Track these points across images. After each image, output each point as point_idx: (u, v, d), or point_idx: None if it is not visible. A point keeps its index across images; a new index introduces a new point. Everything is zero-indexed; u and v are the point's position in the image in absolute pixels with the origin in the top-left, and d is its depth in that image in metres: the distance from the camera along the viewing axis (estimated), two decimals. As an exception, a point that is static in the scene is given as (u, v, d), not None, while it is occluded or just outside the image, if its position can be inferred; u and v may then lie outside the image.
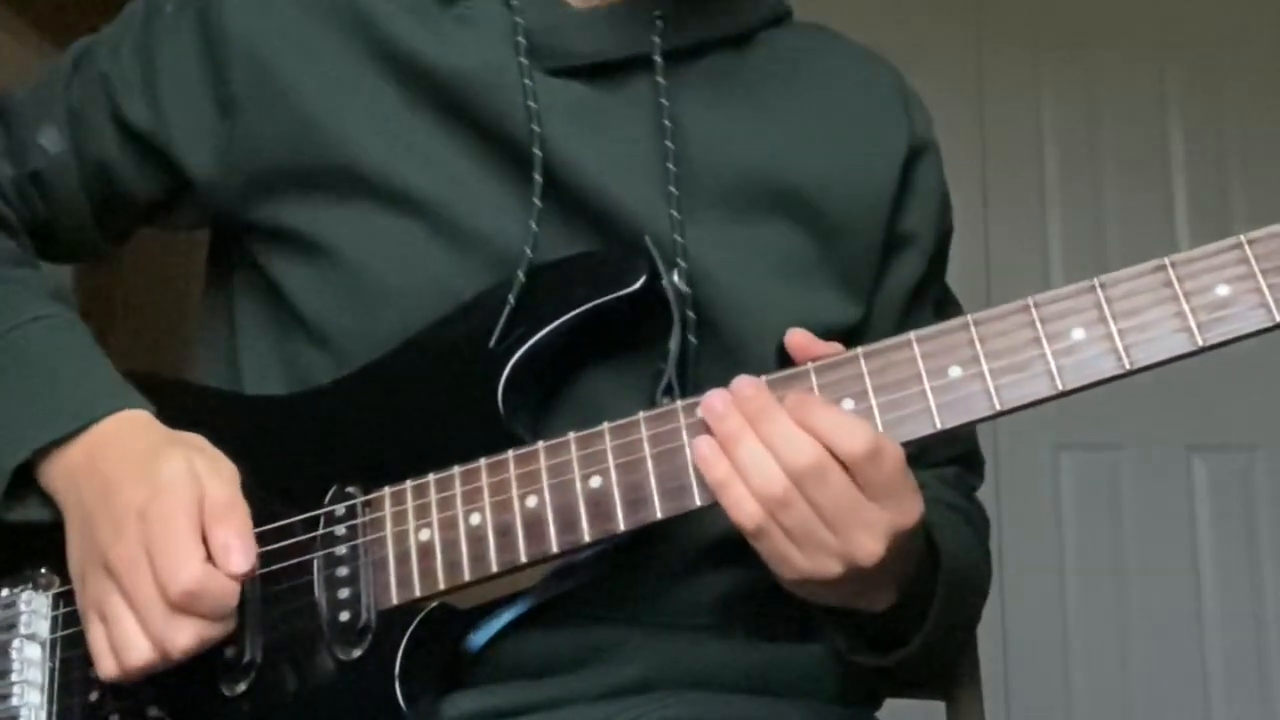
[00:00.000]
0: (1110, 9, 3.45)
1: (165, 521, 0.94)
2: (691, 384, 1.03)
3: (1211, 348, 0.89)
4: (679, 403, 0.97)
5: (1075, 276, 3.32)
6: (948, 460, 1.21)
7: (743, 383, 0.94)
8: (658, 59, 1.10)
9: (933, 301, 1.22)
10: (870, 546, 0.91)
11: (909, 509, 0.93)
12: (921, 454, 1.16)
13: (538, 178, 1.05)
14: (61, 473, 1.01)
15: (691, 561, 1.05)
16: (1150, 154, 3.40)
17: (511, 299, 1.02)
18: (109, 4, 1.41)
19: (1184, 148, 3.41)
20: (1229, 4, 3.44)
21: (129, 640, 0.94)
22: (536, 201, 1.05)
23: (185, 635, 0.93)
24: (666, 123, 1.08)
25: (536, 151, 1.05)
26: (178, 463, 0.97)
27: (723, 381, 0.97)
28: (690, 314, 1.04)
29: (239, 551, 0.95)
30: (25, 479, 1.02)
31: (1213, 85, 3.42)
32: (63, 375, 1.04)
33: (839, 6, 1.88)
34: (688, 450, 0.95)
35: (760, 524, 0.91)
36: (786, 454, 0.91)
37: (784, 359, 1.06)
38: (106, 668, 0.96)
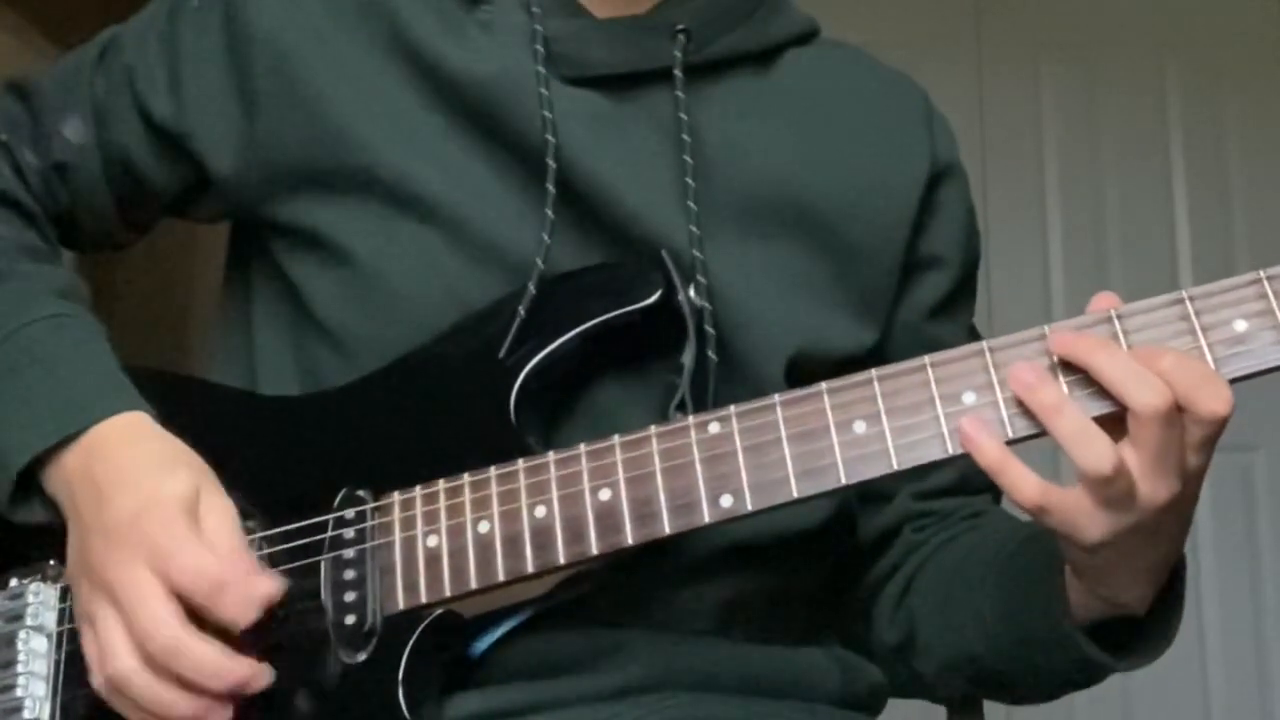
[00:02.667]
0: (1110, 9, 3.46)
1: (165, 524, 0.94)
2: (705, 400, 1.03)
3: (1229, 382, 0.89)
4: (690, 418, 0.97)
5: (1075, 278, 3.32)
6: (985, 485, 1.18)
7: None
8: (678, 73, 1.10)
9: (966, 329, 1.21)
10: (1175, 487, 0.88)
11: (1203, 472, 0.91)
12: (963, 482, 1.16)
13: (550, 189, 1.05)
14: (60, 478, 1.00)
15: (694, 565, 1.05)
16: (1150, 154, 3.41)
17: (522, 310, 1.02)
18: (110, 4, 1.41)
19: (1184, 148, 3.42)
20: (1229, 4, 3.44)
21: (112, 644, 0.94)
22: (549, 212, 1.04)
23: (169, 633, 0.92)
24: (685, 137, 1.08)
25: (550, 162, 1.05)
26: (181, 481, 0.97)
27: (730, 399, 0.97)
28: (710, 329, 1.04)
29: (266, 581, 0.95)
30: (30, 481, 1.01)
31: (1213, 85, 3.43)
32: (61, 377, 1.03)
33: (840, 7, 1.88)
34: (697, 466, 0.95)
35: (1042, 502, 0.89)
36: (1136, 394, 0.87)
37: (792, 378, 1.06)
38: (93, 672, 0.95)
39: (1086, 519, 0.89)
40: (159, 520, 0.94)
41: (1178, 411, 0.87)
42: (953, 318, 1.20)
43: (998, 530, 1.13)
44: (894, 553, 1.17)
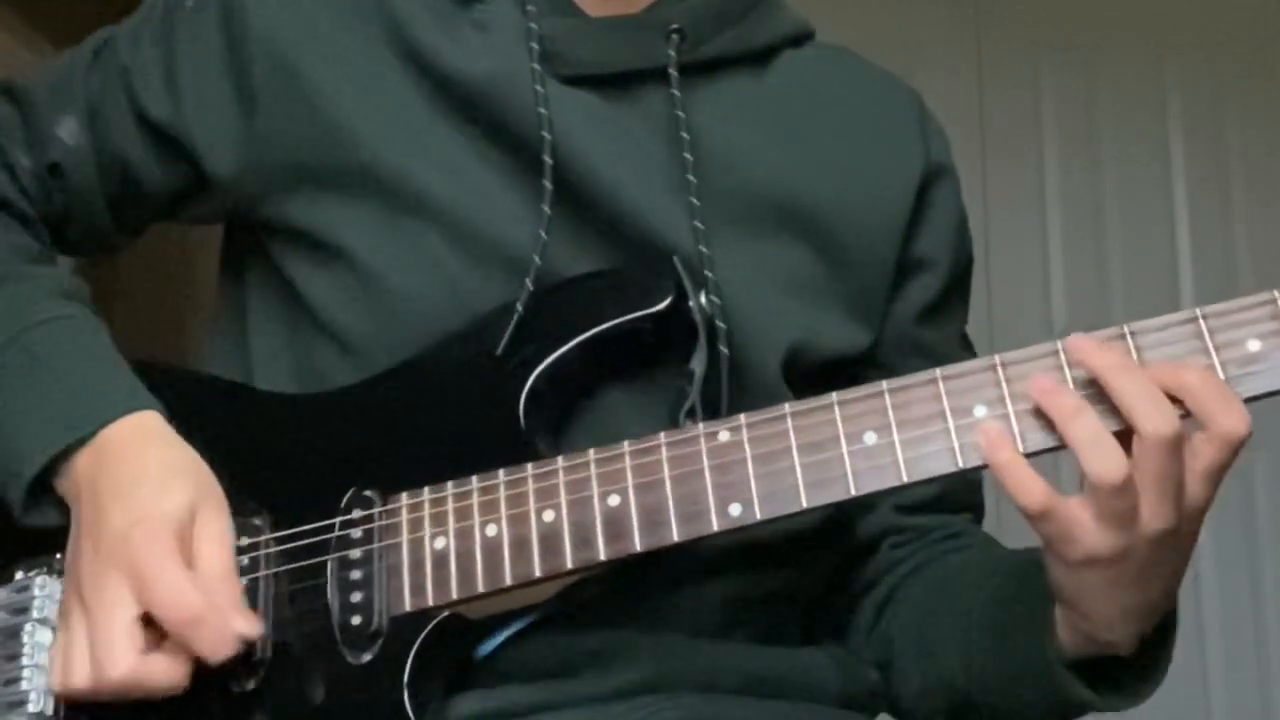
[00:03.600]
0: (1110, 8, 3.46)
1: (151, 545, 0.94)
2: (716, 405, 1.02)
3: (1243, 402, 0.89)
4: (700, 426, 0.97)
5: (1075, 278, 3.32)
6: (967, 505, 1.20)
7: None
8: (673, 72, 1.10)
9: (957, 336, 1.21)
10: (1176, 516, 0.88)
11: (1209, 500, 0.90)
12: (946, 499, 1.16)
13: (547, 185, 1.05)
14: (70, 480, 1.00)
15: (696, 567, 1.05)
16: (1150, 154, 3.41)
17: (519, 307, 1.02)
18: (109, 4, 1.40)
19: (1184, 148, 3.42)
20: (1229, 4, 3.45)
21: (72, 658, 0.94)
22: (546, 209, 1.04)
23: (123, 667, 0.92)
24: (684, 135, 1.08)
25: (547, 159, 1.05)
26: (176, 498, 0.96)
27: (729, 396, 0.98)
28: (721, 324, 1.04)
29: (247, 619, 0.95)
30: (42, 484, 1.01)
31: (1213, 85, 3.43)
32: (70, 381, 1.03)
33: (840, 7, 1.88)
34: (707, 474, 0.95)
35: (1045, 505, 0.89)
36: (1147, 417, 0.87)
37: (789, 378, 1.06)
38: (51, 679, 0.96)
39: (1083, 531, 0.89)
40: (146, 539, 0.94)
41: (1183, 440, 0.87)
42: (942, 322, 1.20)
43: (984, 557, 1.12)
44: (872, 567, 1.17)
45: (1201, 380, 0.88)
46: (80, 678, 0.94)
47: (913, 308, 1.18)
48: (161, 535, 0.94)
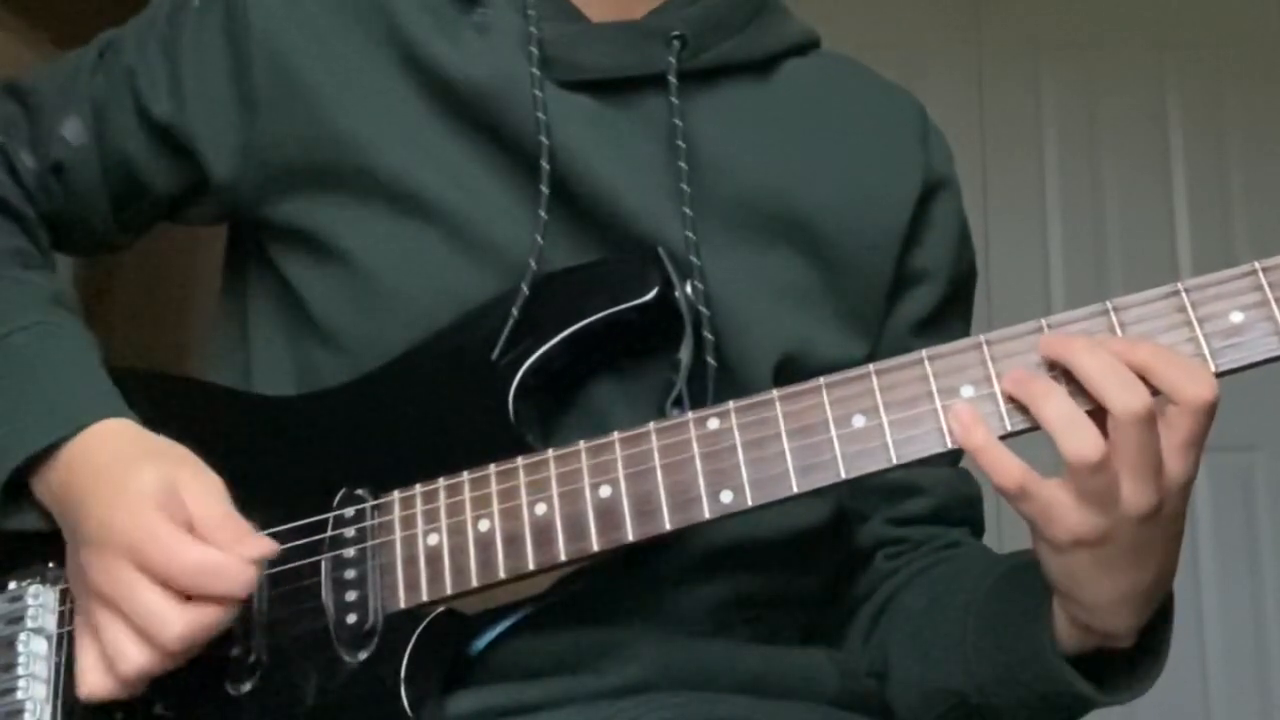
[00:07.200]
0: (1110, 8, 3.46)
1: (135, 521, 0.93)
2: (702, 397, 1.03)
3: (1224, 374, 0.89)
4: (689, 414, 0.97)
5: (1075, 278, 3.32)
6: (963, 520, 1.19)
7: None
8: (672, 79, 1.10)
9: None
10: (1157, 496, 0.88)
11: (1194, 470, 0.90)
12: (941, 512, 1.16)
13: (544, 190, 1.05)
14: (47, 489, 1.00)
15: (694, 564, 1.05)
16: (1150, 154, 3.41)
17: (515, 312, 1.03)
18: (110, 4, 1.41)
19: (1184, 148, 3.42)
20: (1229, 4, 3.45)
21: (120, 648, 0.93)
22: (542, 213, 1.05)
23: (177, 625, 0.91)
24: (680, 143, 1.08)
25: (544, 164, 1.05)
26: (147, 473, 0.95)
27: (720, 401, 0.97)
28: (708, 335, 1.04)
29: (255, 542, 0.94)
30: (20, 489, 1.01)
31: (1213, 85, 3.43)
32: (45, 387, 1.03)
33: (841, 7, 1.88)
34: (698, 462, 0.95)
35: (1023, 484, 0.89)
36: (1116, 395, 0.87)
37: (779, 384, 1.06)
38: (93, 683, 0.95)
39: (1063, 510, 0.89)
40: (128, 517, 0.94)
41: (1155, 416, 0.87)
42: (941, 334, 1.18)
43: (979, 561, 1.12)
44: (866, 579, 1.16)
45: (1153, 355, 0.88)
46: (134, 659, 0.93)
47: (910, 319, 1.18)
48: (141, 509, 0.93)
